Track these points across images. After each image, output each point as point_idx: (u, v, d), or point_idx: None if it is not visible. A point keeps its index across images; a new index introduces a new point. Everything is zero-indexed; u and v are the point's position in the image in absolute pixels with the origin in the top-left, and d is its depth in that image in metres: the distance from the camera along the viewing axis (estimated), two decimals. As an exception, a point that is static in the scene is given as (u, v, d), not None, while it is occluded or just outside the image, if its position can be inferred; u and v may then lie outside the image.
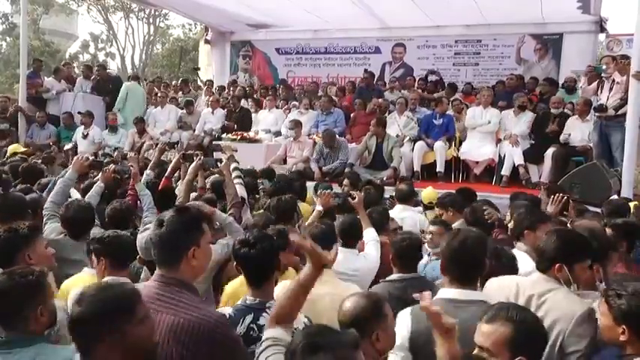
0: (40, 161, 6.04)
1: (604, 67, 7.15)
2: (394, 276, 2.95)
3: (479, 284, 2.41)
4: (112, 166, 4.51)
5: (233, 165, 4.65)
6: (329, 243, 2.67)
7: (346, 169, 7.43)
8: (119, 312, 1.60)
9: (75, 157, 4.32)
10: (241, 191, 4.13)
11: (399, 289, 2.80)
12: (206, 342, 1.83)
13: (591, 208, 4.82)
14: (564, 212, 4.21)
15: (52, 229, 3.52)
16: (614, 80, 6.79)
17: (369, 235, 3.65)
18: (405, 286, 2.80)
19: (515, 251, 3.07)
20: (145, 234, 2.92)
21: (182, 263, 1.98)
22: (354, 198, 3.99)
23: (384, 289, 2.86)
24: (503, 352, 1.77)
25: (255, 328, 2.18)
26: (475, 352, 1.85)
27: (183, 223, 2.03)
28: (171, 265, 1.98)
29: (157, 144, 8.65)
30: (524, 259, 2.97)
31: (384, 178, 7.07)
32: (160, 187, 4.40)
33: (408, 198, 4.99)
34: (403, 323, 2.22)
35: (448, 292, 2.27)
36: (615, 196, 4.87)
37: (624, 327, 1.94)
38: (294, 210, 4.10)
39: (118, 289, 1.68)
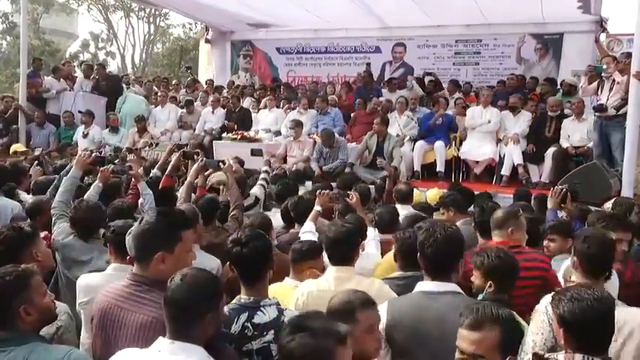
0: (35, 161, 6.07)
1: (604, 66, 7.15)
2: (396, 273, 2.96)
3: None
4: (110, 166, 4.51)
5: (265, 168, 4.80)
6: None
7: (346, 169, 7.45)
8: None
9: (77, 155, 4.32)
10: (260, 193, 4.18)
11: (401, 287, 2.79)
12: None
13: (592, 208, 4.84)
14: (562, 205, 4.43)
15: (61, 229, 3.51)
16: (614, 80, 6.79)
17: (369, 234, 3.68)
18: (406, 284, 2.78)
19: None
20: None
21: (151, 264, 2.04)
22: (351, 198, 4.03)
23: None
24: (495, 356, 1.82)
25: (250, 327, 2.19)
26: (457, 357, 1.87)
27: (160, 226, 2.06)
28: (140, 264, 2.06)
29: (156, 143, 8.69)
30: None
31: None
32: (160, 186, 4.41)
33: (407, 198, 5.00)
34: (381, 314, 2.24)
35: (425, 285, 2.38)
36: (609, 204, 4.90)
37: (562, 330, 2.00)
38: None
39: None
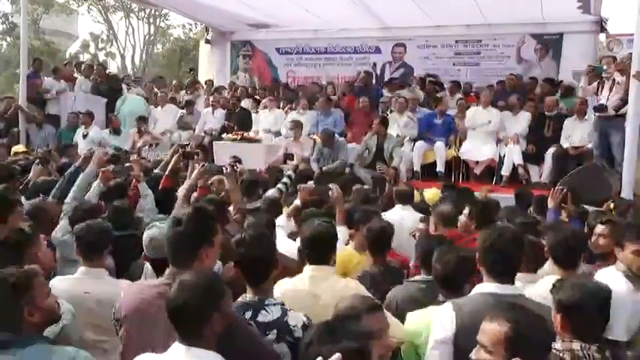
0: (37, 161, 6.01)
1: (604, 67, 7.15)
2: (418, 277, 2.98)
3: None
4: (110, 167, 4.50)
5: (289, 172, 4.87)
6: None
7: (346, 169, 7.45)
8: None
9: (95, 152, 4.33)
10: (273, 195, 4.23)
11: (421, 290, 2.83)
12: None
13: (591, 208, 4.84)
14: (562, 204, 4.45)
15: (62, 226, 3.51)
16: (614, 80, 6.79)
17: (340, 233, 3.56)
18: (426, 287, 2.83)
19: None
20: (151, 231, 2.90)
21: (196, 262, 2.03)
22: (332, 193, 4.05)
23: (405, 288, 2.91)
24: (499, 351, 1.79)
25: (254, 325, 2.20)
26: (474, 350, 1.87)
27: (201, 222, 2.08)
28: (185, 264, 2.03)
29: (156, 143, 8.70)
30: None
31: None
32: (160, 187, 4.40)
33: (408, 198, 5.00)
34: (447, 318, 2.23)
35: (487, 287, 2.32)
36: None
37: (559, 316, 2.08)
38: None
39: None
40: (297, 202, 4.15)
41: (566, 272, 2.83)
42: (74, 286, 2.68)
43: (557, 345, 2.03)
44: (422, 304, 2.56)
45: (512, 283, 2.34)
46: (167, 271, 2.12)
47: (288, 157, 8.11)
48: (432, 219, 3.83)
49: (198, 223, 2.07)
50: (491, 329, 1.83)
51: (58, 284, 2.68)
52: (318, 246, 2.71)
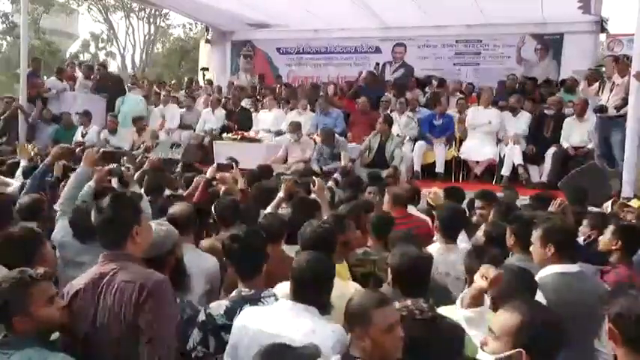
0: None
1: (603, 69, 7.15)
2: None
3: None
4: (107, 167, 4.44)
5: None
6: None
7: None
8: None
9: (85, 152, 4.21)
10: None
11: None
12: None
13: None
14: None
15: (61, 226, 3.48)
16: (614, 82, 6.79)
17: None
18: None
19: None
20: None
21: (127, 243, 2.11)
22: (314, 185, 4.09)
23: None
24: (505, 339, 1.80)
25: None
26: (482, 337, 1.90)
27: (123, 204, 2.16)
28: (117, 246, 2.11)
29: (156, 143, 8.67)
30: None
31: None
32: (196, 199, 4.34)
33: (403, 200, 4.98)
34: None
35: (554, 268, 2.71)
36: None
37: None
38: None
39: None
40: (281, 194, 4.16)
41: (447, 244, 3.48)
42: None
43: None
44: None
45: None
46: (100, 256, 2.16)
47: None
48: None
49: (121, 206, 2.15)
50: (502, 315, 1.85)
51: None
52: (316, 249, 2.67)
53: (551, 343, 1.83)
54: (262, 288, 2.45)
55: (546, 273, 2.72)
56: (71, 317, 2.05)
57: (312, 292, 2.25)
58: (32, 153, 6.24)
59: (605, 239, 3.35)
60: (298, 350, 1.83)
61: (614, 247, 3.27)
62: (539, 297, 2.39)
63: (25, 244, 2.57)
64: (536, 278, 2.54)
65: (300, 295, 2.25)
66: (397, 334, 1.95)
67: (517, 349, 1.74)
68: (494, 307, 2.20)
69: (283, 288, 2.58)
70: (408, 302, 2.13)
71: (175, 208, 3.34)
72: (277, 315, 2.23)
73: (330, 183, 5.34)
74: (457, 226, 3.58)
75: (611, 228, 3.36)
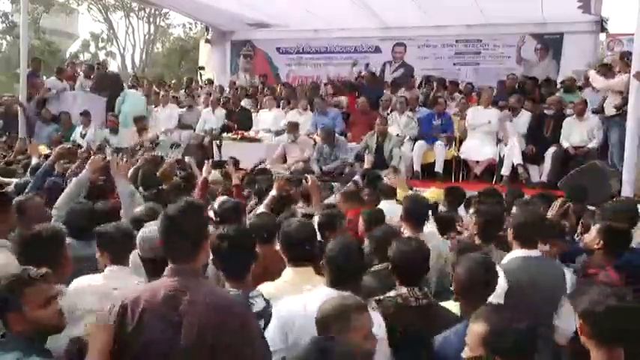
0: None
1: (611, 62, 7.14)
2: (379, 266, 2.95)
3: None
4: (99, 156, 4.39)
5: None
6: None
7: (347, 169, 7.44)
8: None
9: (91, 158, 4.19)
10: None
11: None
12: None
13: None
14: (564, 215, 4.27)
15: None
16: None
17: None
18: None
19: None
20: (148, 229, 2.85)
21: (199, 256, 1.95)
22: (308, 182, 4.11)
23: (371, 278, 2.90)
24: (478, 350, 1.85)
25: None
26: (465, 350, 1.93)
27: (197, 213, 2.01)
28: (186, 260, 1.93)
29: (156, 143, 8.67)
30: None
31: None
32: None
33: (392, 193, 5.03)
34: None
35: (517, 253, 2.93)
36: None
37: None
38: None
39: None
40: (274, 192, 4.15)
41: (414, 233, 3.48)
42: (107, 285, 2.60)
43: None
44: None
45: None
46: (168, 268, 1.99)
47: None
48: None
49: (198, 218, 2.00)
50: (473, 330, 1.89)
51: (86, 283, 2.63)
52: (297, 245, 2.66)
53: (521, 347, 1.85)
54: (250, 288, 2.37)
55: (509, 257, 2.97)
56: (119, 332, 1.86)
57: (352, 279, 2.33)
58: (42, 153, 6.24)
59: (590, 238, 3.35)
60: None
61: (596, 247, 3.26)
62: (502, 280, 2.52)
63: (52, 242, 2.55)
64: (503, 262, 2.87)
65: (341, 281, 2.30)
66: (371, 338, 2.00)
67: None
68: (456, 297, 2.39)
69: (266, 288, 2.56)
70: (404, 290, 2.16)
71: None
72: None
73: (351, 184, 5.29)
74: (421, 216, 3.66)
75: (596, 227, 3.34)
